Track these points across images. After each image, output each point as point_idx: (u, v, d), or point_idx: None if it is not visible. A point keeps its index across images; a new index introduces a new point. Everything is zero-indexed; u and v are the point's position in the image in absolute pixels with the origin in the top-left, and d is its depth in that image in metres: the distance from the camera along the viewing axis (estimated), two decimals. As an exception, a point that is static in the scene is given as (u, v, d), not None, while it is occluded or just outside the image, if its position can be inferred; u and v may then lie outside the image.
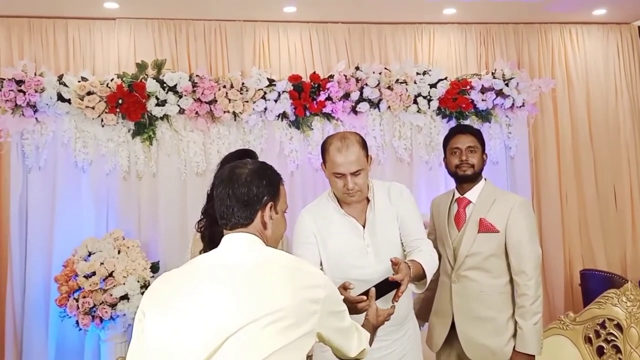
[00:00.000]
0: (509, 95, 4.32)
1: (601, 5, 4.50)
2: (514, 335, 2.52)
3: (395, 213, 2.33)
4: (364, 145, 2.25)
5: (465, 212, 2.61)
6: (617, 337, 3.18)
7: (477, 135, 2.66)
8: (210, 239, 2.07)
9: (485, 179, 2.68)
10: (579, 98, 4.76)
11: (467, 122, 4.30)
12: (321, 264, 2.32)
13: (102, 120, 3.79)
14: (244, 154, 2.43)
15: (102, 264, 3.45)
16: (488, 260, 2.53)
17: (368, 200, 2.32)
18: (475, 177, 2.62)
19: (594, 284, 4.06)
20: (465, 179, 2.62)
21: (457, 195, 2.66)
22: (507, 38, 4.74)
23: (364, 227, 2.29)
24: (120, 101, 3.74)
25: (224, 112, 3.92)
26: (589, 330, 3.26)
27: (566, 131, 4.71)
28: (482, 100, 4.27)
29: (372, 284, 2.02)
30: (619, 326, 3.19)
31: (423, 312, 2.81)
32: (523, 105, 4.39)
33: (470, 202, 2.62)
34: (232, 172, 1.50)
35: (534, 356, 2.49)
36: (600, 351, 3.24)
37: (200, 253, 2.04)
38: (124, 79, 3.81)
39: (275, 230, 1.54)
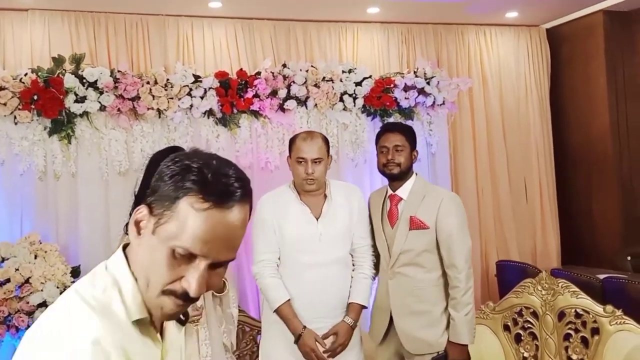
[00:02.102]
0: (430, 94, 4.46)
1: (513, 8, 4.74)
2: (448, 327, 2.62)
3: (350, 210, 2.64)
4: (326, 142, 2.64)
5: (397, 209, 2.67)
6: (533, 325, 3.39)
7: (406, 133, 2.72)
8: None
9: (416, 174, 2.75)
10: (493, 97, 5.00)
11: (390, 119, 4.40)
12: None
13: (15, 118, 3.56)
14: (170, 152, 2.38)
15: (17, 269, 3.26)
16: (421, 255, 2.62)
17: (325, 197, 2.62)
18: (402, 176, 2.67)
19: (509, 275, 4.29)
20: (391, 178, 2.69)
21: (390, 192, 2.72)
22: (427, 38, 4.89)
23: (318, 217, 2.58)
24: (35, 97, 3.53)
25: (148, 109, 3.80)
26: (508, 318, 3.45)
27: (481, 128, 4.94)
28: (405, 98, 4.39)
29: (322, 269, 2.50)
30: (535, 314, 3.40)
31: None
32: (443, 103, 4.55)
33: (401, 199, 2.68)
34: None
35: (466, 346, 2.61)
36: (518, 338, 3.44)
37: None
38: (39, 73, 3.60)
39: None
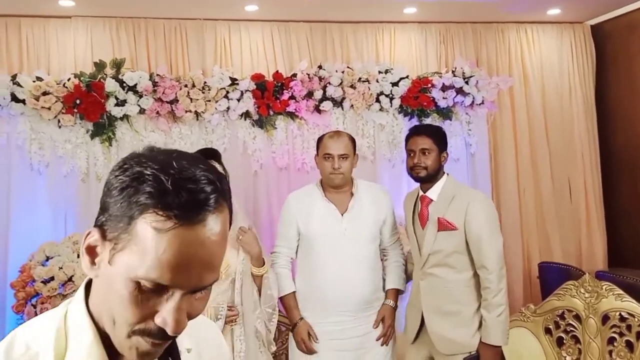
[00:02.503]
0: (469, 93, 4.40)
1: (555, 5, 4.62)
2: (481, 328, 2.58)
3: (377, 210, 2.75)
4: (352, 140, 2.78)
5: (428, 210, 2.67)
6: (576, 328, 3.28)
7: (434, 135, 2.70)
8: None
9: (448, 175, 2.73)
10: (535, 95, 4.88)
11: (428, 120, 4.35)
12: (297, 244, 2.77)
13: (58, 121, 3.68)
14: (207, 153, 2.44)
15: (60, 268, 3.36)
16: (451, 256, 2.60)
17: (352, 195, 2.73)
18: (429, 178, 2.67)
19: (552, 276, 4.17)
20: (419, 180, 2.70)
21: (421, 193, 2.73)
22: (466, 37, 4.82)
23: (343, 214, 2.69)
24: (77, 101, 3.64)
25: (186, 111, 3.87)
26: (549, 321, 3.35)
27: (523, 128, 4.82)
28: (443, 98, 4.33)
29: (347, 264, 2.63)
30: (577, 317, 3.29)
31: None
32: (482, 102, 4.47)
33: (432, 200, 2.68)
34: None
35: (499, 347, 2.56)
36: (560, 342, 3.34)
37: None
38: (82, 78, 3.71)
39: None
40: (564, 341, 3.32)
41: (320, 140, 2.76)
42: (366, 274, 2.71)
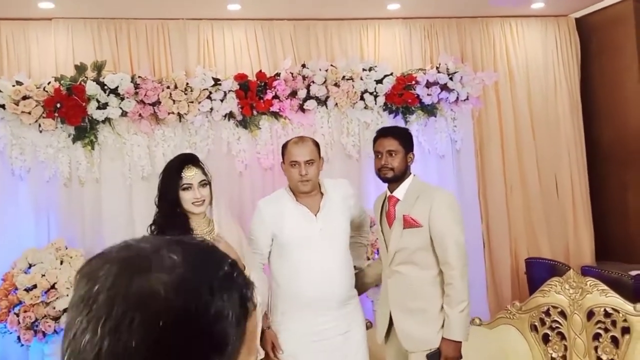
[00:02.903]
0: (454, 89, 4.38)
1: (538, -2, 4.61)
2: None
3: (344, 203, 2.82)
4: (317, 145, 2.81)
5: (395, 210, 2.73)
6: (561, 324, 3.29)
7: (401, 137, 2.76)
8: None
9: (414, 175, 2.80)
10: (520, 90, 4.88)
11: (412, 117, 4.34)
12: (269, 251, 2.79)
13: (39, 126, 3.64)
14: (186, 159, 2.43)
15: (43, 275, 3.33)
16: (416, 254, 2.66)
17: (322, 195, 2.76)
18: (396, 179, 2.74)
19: (539, 272, 4.18)
20: (386, 181, 2.77)
21: (388, 193, 2.79)
22: (451, 32, 4.80)
23: (316, 214, 2.72)
24: (58, 105, 3.60)
25: (169, 113, 3.83)
26: (535, 318, 3.36)
27: (509, 123, 4.82)
28: (428, 94, 4.32)
29: (325, 264, 2.68)
30: (562, 313, 3.30)
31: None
32: (467, 98, 4.46)
33: (398, 199, 2.74)
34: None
35: (460, 343, 2.62)
36: (545, 338, 3.35)
37: None
38: (62, 82, 3.67)
39: None
40: (550, 338, 3.33)
41: (284, 147, 2.80)
42: (344, 271, 2.76)
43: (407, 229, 2.65)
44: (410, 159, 2.77)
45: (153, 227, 2.43)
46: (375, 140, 2.81)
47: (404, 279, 2.68)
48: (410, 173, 2.79)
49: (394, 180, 2.73)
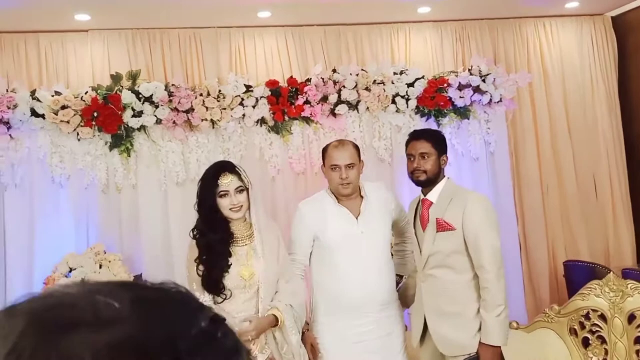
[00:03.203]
0: (487, 92, 4.33)
1: (573, -3, 4.54)
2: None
3: (387, 208, 2.84)
4: (357, 148, 2.84)
5: (429, 213, 2.69)
6: (601, 328, 3.21)
7: (433, 140, 2.73)
8: (207, 245, 2.44)
9: (448, 178, 2.76)
10: (555, 91, 4.80)
11: (445, 119, 4.31)
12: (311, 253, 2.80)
13: (78, 134, 3.74)
14: (221, 166, 2.48)
15: (83, 279, 3.40)
16: (450, 257, 2.62)
17: (362, 198, 2.77)
18: (430, 182, 2.70)
19: (578, 275, 4.09)
20: (419, 184, 2.74)
21: (422, 196, 2.76)
22: (483, 34, 4.76)
23: (357, 217, 2.73)
24: (95, 114, 3.69)
25: (202, 120, 3.89)
26: (574, 322, 3.28)
27: (545, 124, 4.74)
28: (460, 97, 4.28)
29: (367, 265, 2.69)
30: (603, 317, 3.22)
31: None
32: (501, 100, 4.41)
33: (432, 203, 2.71)
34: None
35: (499, 348, 2.56)
36: (585, 342, 3.27)
37: (196, 260, 2.44)
38: (99, 91, 3.77)
39: None
40: (590, 342, 3.25)
41: (325, 151, 2.82)
42: (385, 274, 2.77)
43: (441, 233, 2.62)
44: (444, 161, 2.73)
45: (195, 232, 2.51)
46: (407, 143, 2.79)
47: (439, 283, 2.64)
48: (445, 176, 2.75)
49: (427, 183, 2.70)
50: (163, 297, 0.48)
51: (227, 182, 2.48)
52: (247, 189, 2.52)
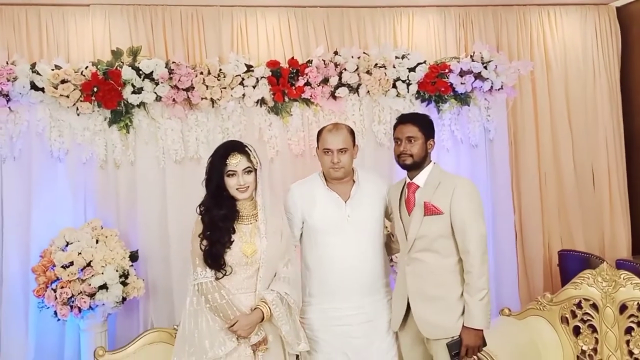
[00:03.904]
0: (488, 78, 4.32)
1: (579, -14, 4.50)
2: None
3: (379, 195, 2.86)
4: (352, 133, 2.84)
5: (415, 196, 2.71)
6: (593, 317, 3.24)
7: (420, 123, 2.74)
8: (210, 221, 2.48)
9: (434, 163, 2.78)
10: (557, 80, 4.78)
11: (445, 105, 4.30)
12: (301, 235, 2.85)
13: (77, 109, 3.72)
14: (230, 147, 2.50)
15: (79, 253, 3.42)
16: (436, 241, 2.64)
17: (353, 182, 2.81)
18: (416, 166, 2.72)
19: (572, 265, 4.12)
20: (405, 168, 2.75)
21: (408, 180, 2.77)
22: (486, 20, 4.73)
23: (346, 201, 2.77)
24: (95, 89, 3.67)
25: (202, 98, 3.88)
26: (566, 310, 3.32)
27: (545, 113, 4.73)
28: (461, 83, 4.26)
29: (352, 250, 2.73)
30: (594, 306, 3.25)
31: None
32: (502, 87, 4.39)
33: (418, 186, 2.72)
34: None
35: (481, 331, 2.59)
36: (576, 331, 3.30)
37: (199, 235, 2.48)
38: (99, 66, 3.75)
39: None
40: (581, 330, 3.28)
41: (319, 134, 2.85)
42: (371, 259, 2.79)
43: (428, 216, 2.64)
44: (430, 145, 2.75)
45: (202, 208, 2.54)
46: (395, 126, 2.80)
47: (424, 266, 2.66)
48: (431, 161, 2.78)
49: (414, 167, 2.72)
50: None
51: (236, 162, 2.51)
52: (255, 170, 2.54)
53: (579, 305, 3.29)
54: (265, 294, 2.50)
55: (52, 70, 3.68)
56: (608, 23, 4.90)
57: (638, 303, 3.11)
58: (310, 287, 2.80)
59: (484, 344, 2.64)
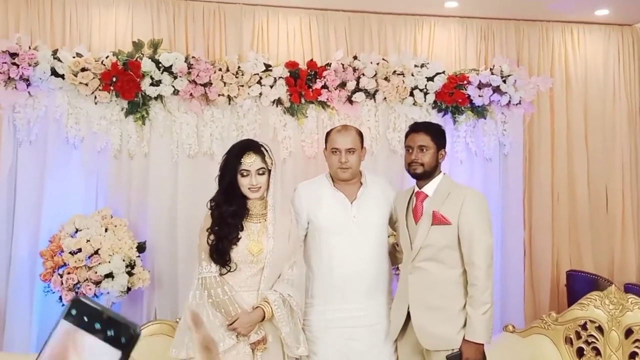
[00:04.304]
0: (506, 92, 4.30)
1: (603, 5, 4.47)
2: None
3: (386, 199, 2.85)
4: (360, 134, 2.85)
5: (423, 206, 2.70)
6: (597, 340, 3.21)
7: (432, 133, 2.73)
8: (219, 217, 2.50)
9: (444, 174, 2.77)
10: (576, 98, 4.75)
11: (462, 117, 4.28)
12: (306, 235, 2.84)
13: (95, 98, 3.75)
14: (245, 147, 2.51)
15: (88, 241, 3.44)
16: (442, 251, 2.62)
17: (361, 184, 2.80)
18: (426, 175, 2.71)
19: (580, 285, 4.08)
20: (416, 177, 2.74)
21: (416, 189, 2.76)
22: (508, 34, 4.71)
23: (352, 202, 2.76)
24: (114, 79, 3.71)
25: (219, 95, 3.89)
26: (570, 331, 3.28)
27: (562, 131, 4.70)
28: (479, 96, 4.25)
29: (357, 251, 2.73)
30: (600, 328, 3.21)
31: None
32: (520, 102, 4.37)
33: (427, 196, 2.71)
34: None
35: (482, 345, 2.56)
36: (580, 352, 3.27)
37: (208, 230, 2.49)
38: (119, 56, 3.78)
39: None
40: (584, 352, 3.25)
41: (328, 134, 2.87)
42: (375, 261, 2.78)
43: (436, 226, 2.63)
44: (441, 155, 2.75)
45: (212, 203, 2.56)
46: (407, 135, 2.80)
47: (427, 276, 2.65)
48: (441, 171, 2.77)
49: (424, 176, 2.71)
50: None
51: (250, 161, 2.52)
52: (269, 170, 2.55)
53: (584, 327, 3.26)
54: (268, 293, 2.50)
55: (74, 57, 3.72)
56: (631, 44, 4.86)
57: (644, 328, 3.07)
58: (312, 289, 2.79)
59: (484, 359, 2.61)
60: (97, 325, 0.63)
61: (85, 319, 0.63)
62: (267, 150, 2.59)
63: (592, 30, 4.83)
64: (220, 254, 2.47)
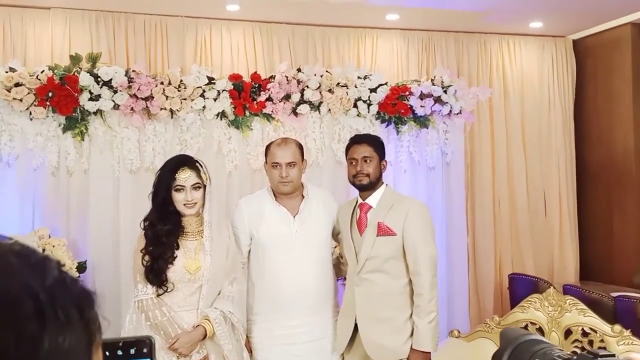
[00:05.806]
0: (447, 102, 4.40)
1: (537, 18, 4.65)
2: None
3: (328, 213, 2.83)
4: (300, 147, 2.82)
5: (367, 217, 2.72)
6: (538, 341, 3.29)
7: (374, 144, 2.77)
8: (154, 236, 2.43)
9: (386, 185, 2.80)
10: (514, 108, 4.91)
11: (405, 127, 4.36)
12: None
13: (30, 114, 3.63)
14: (183, 161, 2.45)
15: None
16: (387, 262, 2.65)
17: (302, 197, 2.77)
18: (371, 186, 2.73)
19: (521, 288, 4.19)
20: (361, 188, 2.75)
21: (360, 201, 2.77)
22: (448, 46, 4.84)
23: (294, 216, 2.73)
24: (50, 94, 3.60)
25: (161, 109, 3.84)
26: (513, 334, 3.36)
27: (501, 139, 4.85)
28: (421, 106, 4.33)
29: (300, 267, 2.68)
30: (540, 330, 3.30)
31: None
32: (460, 112, 4.48)
33: (371, 207, 2.72)
34: None
35: (429, 353, 2.60)
36: (522, 354, 3.34)
37: (142, 250, 2.41)
38: (56, 71, 3.67)
39: None
40: (527, 354, 3.33)
41: (267, 148, 2.82)
42: (318, 275, 2.76)
43: (381, 237, 2.64)
44: (383, 166, 2.78)
45: (145, 222, 2.50)
46: (348, 147, 2.80)
47: (374, 288, 2.66)
48: (383, 182, 2.80)
49: (369, 187, 2.72)
50: (6, 251, 0.48)
51: (185, 177, 2.47)
52: (205, 186, 2.51)
53: (525, 329, 3.34)
54: (208, 311, 2.46)
55: (7, 72, 3.59)
56: (564, 55, 5.07)
57: (582, 329, 3.17)
58: (255, 305, 2.75)
59: None
60: (119, 352, 0.70)
61: (107, 353, 0.69)
62: (201, 166, 2.54)
63: (528, 41, 5.02)
64: (156, 274, 2.41)
